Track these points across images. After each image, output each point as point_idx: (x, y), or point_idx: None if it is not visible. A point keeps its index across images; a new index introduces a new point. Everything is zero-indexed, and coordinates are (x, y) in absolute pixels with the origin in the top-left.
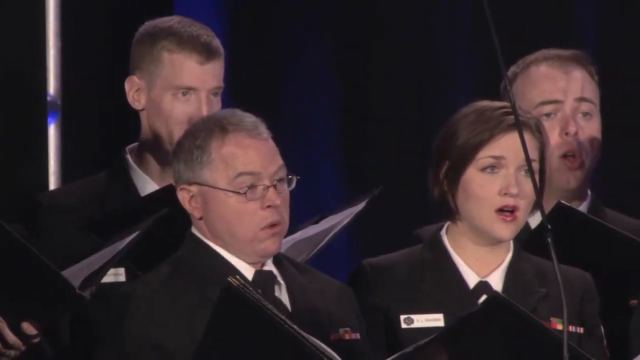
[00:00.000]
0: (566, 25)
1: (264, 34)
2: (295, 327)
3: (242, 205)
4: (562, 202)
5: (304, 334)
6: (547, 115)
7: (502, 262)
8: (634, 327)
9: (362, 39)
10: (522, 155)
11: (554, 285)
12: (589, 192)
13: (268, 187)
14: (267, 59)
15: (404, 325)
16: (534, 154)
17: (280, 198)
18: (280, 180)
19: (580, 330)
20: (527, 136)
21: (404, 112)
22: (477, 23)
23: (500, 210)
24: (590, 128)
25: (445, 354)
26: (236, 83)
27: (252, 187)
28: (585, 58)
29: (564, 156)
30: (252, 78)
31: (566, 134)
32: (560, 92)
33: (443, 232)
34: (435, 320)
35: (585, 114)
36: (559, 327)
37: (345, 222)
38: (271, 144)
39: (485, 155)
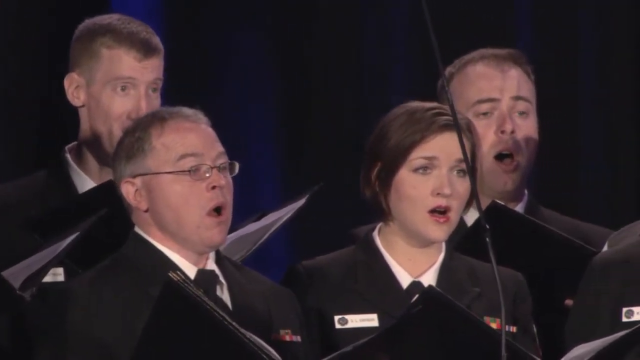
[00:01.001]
0: (502, 25)
1: (201, 29)
2: (234, 323)
3: (187, 187)
4: (497, 201)
5: (243, 330)
6: (484, 114)
7: (435, 262)
8: (569, 328)
9: (299, 35)
10: (455, 156)
11: (486, 284)
12: (525, 192)
13: (211, 168)
14: (205, 54)
15: (338, 326)
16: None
17: (224, 180)
18: (222, 165)
19: (513, 329)
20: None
21: (343, 108)
22: (414, 22)
23: (433, 211)
24: (527, 127)
25: (384, 352)
26: (174, 79)
27: (196, 167)
28: (521, 57)
29: (500, 158)
30: (190, 73)
31: (502, 132)
32: (496, 91)
33: (375, 233)
34: (369, 320)
35: (522, 113)
36: (493, 325)
37: (285, 218)
38: (211, 130)
39: (417, 156)
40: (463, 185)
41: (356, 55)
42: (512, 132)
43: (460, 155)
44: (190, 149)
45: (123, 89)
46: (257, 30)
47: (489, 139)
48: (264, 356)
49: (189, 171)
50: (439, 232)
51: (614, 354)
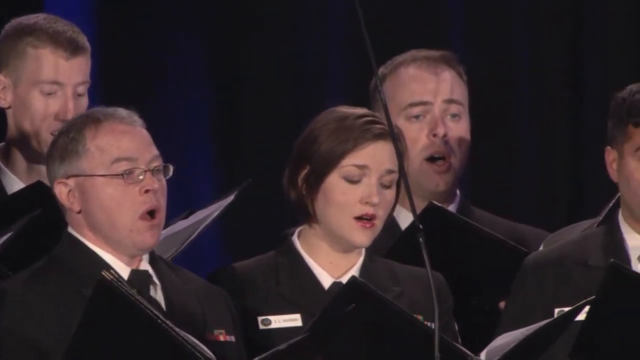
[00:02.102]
0: (436, 26)
1: (135, 30)
2: (168, 322)
3: (121, 191)
4: (434, 202)
5: (177, 329)
6: (416, 117)
7: (355, 263)
8: (501, 328)
9: (234, 38)
10: (384, 166)
11: (407, 284)
12: (457, 192)
13: (145, 171)
14: (139, 56)
15: (261, 327)
16: (394, 164)
17: (157, 184)
18: (156, 168)
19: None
20: (389, 145)
21: (277, 110)
22: (348, 23)
23: (360, 218)
24: (459, 129)
25: (316, 351)
26: (108, 79)
27: (129, 171)
28: (454, 59)
29: (432, 159)
30: (124, 74)
31: (434, 135)
32: (429, 94)
33: (295, 237)
34: (292, 320)
35: (454, 116)
36: None
37: (214, 215)
38: (146, 132)
39: (349, 164)
40: (390, 195)
41: (290, 58)
42: (445, 135)
43: (389, 165)
44: (124, 152)
45: (50, 90)
46: (192, 33)
47: (421, 142)
48: (198, 354)
49: (122, 175)
50: (364, 237)
51: (536, 343)
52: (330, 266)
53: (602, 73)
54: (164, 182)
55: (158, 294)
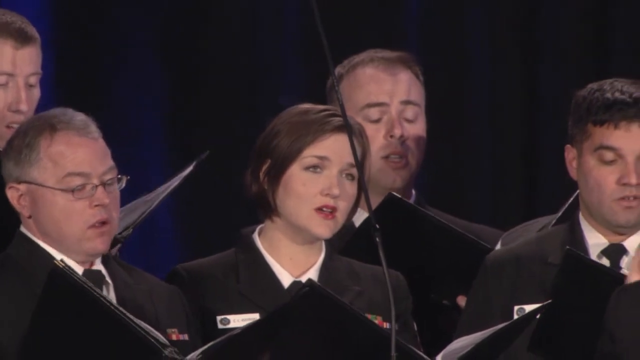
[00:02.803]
0: (392, 26)
1: (89, 27)
2: (120, 308)
3: (70, 204)
4: (394, 193)
5: (130, 315)
6: (373, 118)
7: (316, 262)
8: (461, 326)
9: (190, 36)
10: (346, 159)
11: (366, 283)
12: (413, 191)
13: (97, 186)
14: (94, 54)
15: (220, 326)
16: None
17: (109, 197)
18: (109, 181)
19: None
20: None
21: (232, 103)
22: (305, 23)
23: (320, 209)
24: (416, 129)
25: (269, 341)
26: (63, 79)
27: (80, 186)
28: (411, 60)
29: (388, 157)
30: (79, 74)
31: (391, 136)
32: (386, 95)
33: (255, 234)
34: (251, 319)
35: (411, 116)
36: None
37: (172, 186)
38: (101, 143)
39: (310, 155)
40: (352, 188)
41: (247, 55)
42: (401, 136)
43: (351, 159)
44: (77, 167)
45: (1, 81)
46: (148, 28)
47: (378, 142)
48: (151, 340)
49: (73, 191)
50: (324, 227)
51: (494, 345)
52: (290, 263)
53: (556, 74)
54: (116, 192)
55: (110, 294)
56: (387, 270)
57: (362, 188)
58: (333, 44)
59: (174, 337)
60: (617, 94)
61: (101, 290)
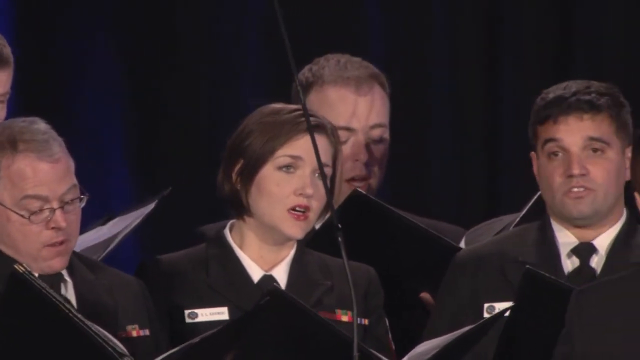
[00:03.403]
0: (356, 26)
1: (49, 36)
2: (79, 315)
3: (27, 225)
4: (359, 190)
5: (88, 322)
6: (341, 140)
7: (286, 256)
8: (430, 325)
9: (152, 43)
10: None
11: (338, 278)
12: None
13: (55, 209)
14: (57, 65)
15: (188, 320)
16: (327, 158)
17: (67, 219)
18: (70, 202)
19: (366, 322)
20: (323, 139)
21: (194, 116)
22: (268, 23)
23: (293, 209)
24: (380, 151)
25: (231, 346)
26: (25, 89)
27: (38, 211)
28: (379, 77)
29: (353, 179)
30: (41, 84)
31: (356, 160)
32: (355, 120)
33: (227, 230)
34: (219, 314)
35: (378, 137)
36: (344, 318)
37: (134, 224)
38: (63, 163)
39: (283, 154)
40: (324, 188)
41: (209, 57)
42: (366, 161)
43: (323, 159)
44: (36, 190)
45: None
46: (107, 32)
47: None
48: (109, 348)
49: (29, 216)
50: (297, 228)
51: (459, 347)
52: (261, 259)
53: (518, 71)
54: (77, 210)
55: (69, 292)
56: (348, 266)
57: (325, 185)
58: (296, 49)
59: (134, 334)
60: (558, 92)
61: (59, 289)
